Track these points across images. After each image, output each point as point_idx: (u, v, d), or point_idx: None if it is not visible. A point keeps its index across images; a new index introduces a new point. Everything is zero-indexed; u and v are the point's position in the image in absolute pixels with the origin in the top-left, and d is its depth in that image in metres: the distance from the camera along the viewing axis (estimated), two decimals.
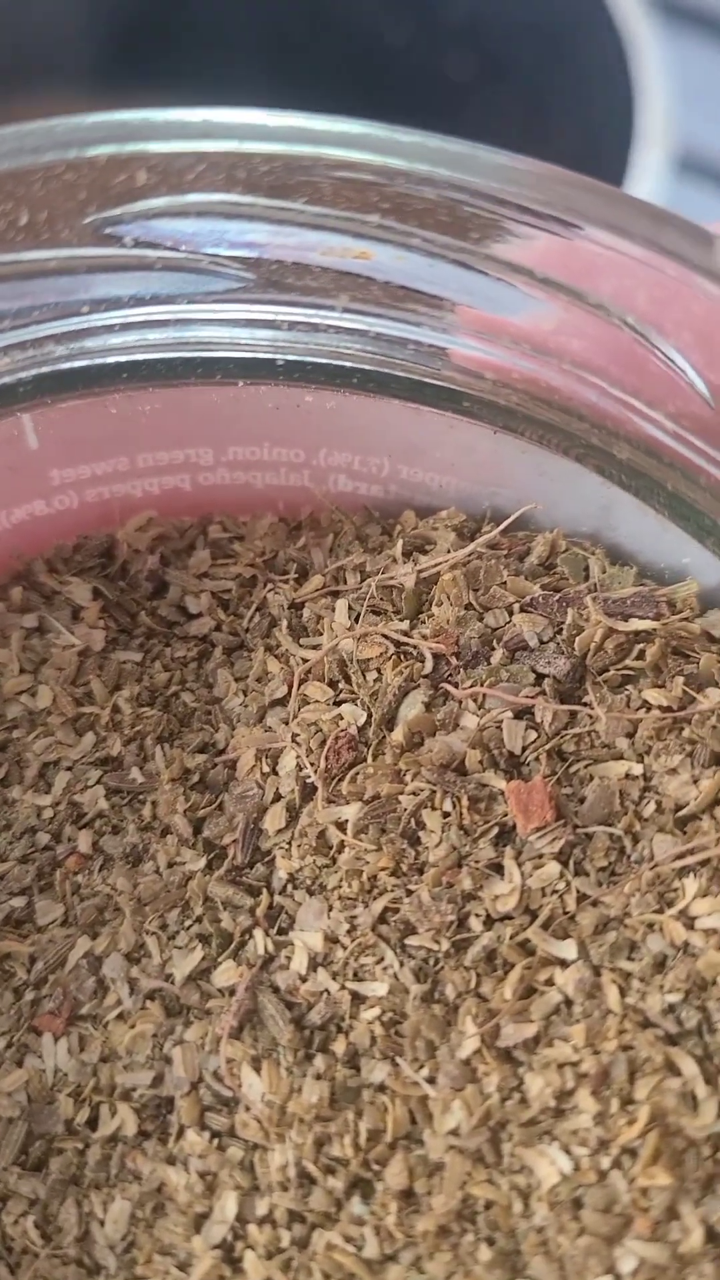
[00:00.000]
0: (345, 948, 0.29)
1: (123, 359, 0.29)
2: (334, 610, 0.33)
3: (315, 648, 0.32)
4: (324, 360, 0.29)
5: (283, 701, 0.32)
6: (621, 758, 0.30)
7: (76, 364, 0.28)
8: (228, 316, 0.28)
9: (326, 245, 0.27)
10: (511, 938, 0.28)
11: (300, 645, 0.33)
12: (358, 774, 0.30)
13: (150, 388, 0.31)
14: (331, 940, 0.29)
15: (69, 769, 0.32)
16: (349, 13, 0.72)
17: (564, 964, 0.28)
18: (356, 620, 0.32)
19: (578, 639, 0.31)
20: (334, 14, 0.72)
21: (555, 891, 0.28)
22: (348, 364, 0.29)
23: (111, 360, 0.29)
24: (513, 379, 0.28)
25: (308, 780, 0.31)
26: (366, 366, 0.29)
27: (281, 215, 0.26)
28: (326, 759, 0.30)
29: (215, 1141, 0.28)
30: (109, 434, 0.33)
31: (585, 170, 0.25)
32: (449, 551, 0.32)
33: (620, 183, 0.58)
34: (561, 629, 0.31)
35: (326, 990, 0.28)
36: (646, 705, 0.30)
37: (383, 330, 0.28)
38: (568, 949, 0.28)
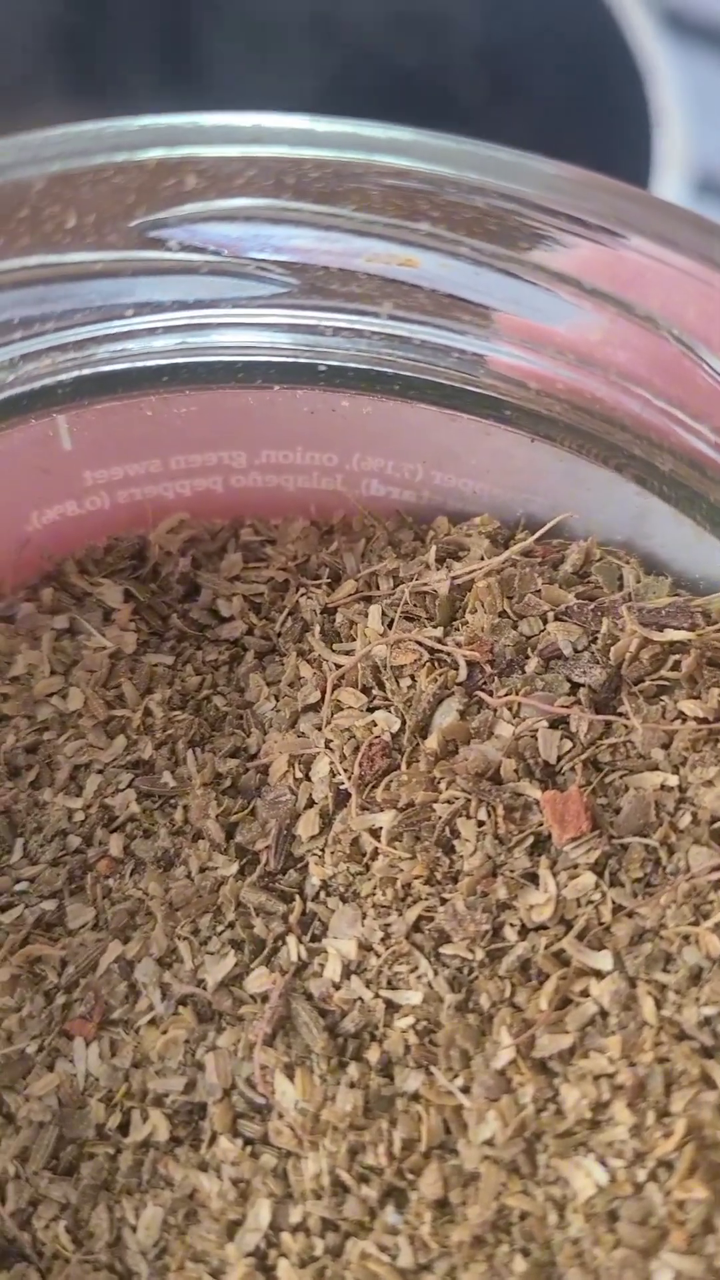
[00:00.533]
0: (379, 956, 0.29)
1: (164, 362, 0.29)
2: (367, 616, 0.33)
3: (348, 653, 0.32)
4: (366, 366, 0.29)
5: (315, 707, 0.32)
6: (657, 768, 0.30)
7: (118, 367, 0.28)
8: (271, 321, 0.28)
9: (372, 252, 0.27)
10: (546, 948, 0.28)
11: (333, 651, 0.32)
12: (392, 781, 0.30)
13: (187, 390, 0.31)
14: (365, 948, 0.29)
15: (100, 772, 0.32)
16: (361, 37, 0.71)
17: (599, 975, 0.28)
18: (390, 626, 0.32)
19: (613, 649, 0.30)
20: (348, 39, 0.72)
21: (591, 902, 0.28)
22: (389, 370, 0.29)
23: (153, 363, 0.28)
24: (556, 388, 0.28)
25: (341, 787, 0.30)
26: (408, 373, 0.29)
27: (328, 221, 0.26)
28: (360, 765, 0.30)
29: (248, 1149, 0.28)
30: (143, 436, 0.33)
31: None
32: (483, 558, 0.32)
33: None
34: (596, 638, 0.31)
35: (360, 998, 0.28)
36: (682, 716, 0.30)
37: (427, 338, 0.28)
38: (603, 960, 0.28)
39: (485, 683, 0.31)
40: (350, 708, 0.31)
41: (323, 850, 0.30)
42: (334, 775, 0.31)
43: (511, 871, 0.29)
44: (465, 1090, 0.27)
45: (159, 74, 0.72)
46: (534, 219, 0.25)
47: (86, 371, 0.28)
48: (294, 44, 0.72)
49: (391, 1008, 0.28)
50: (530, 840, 0.29)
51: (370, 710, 0.31)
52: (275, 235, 0.27)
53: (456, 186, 0.25)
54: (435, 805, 0.30)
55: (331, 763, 0.31)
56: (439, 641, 0.31)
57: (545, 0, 0.68)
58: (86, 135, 0.25)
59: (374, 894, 0.29)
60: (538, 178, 0.25)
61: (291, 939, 0.29)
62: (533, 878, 0.29)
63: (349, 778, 0.30)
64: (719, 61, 0.75)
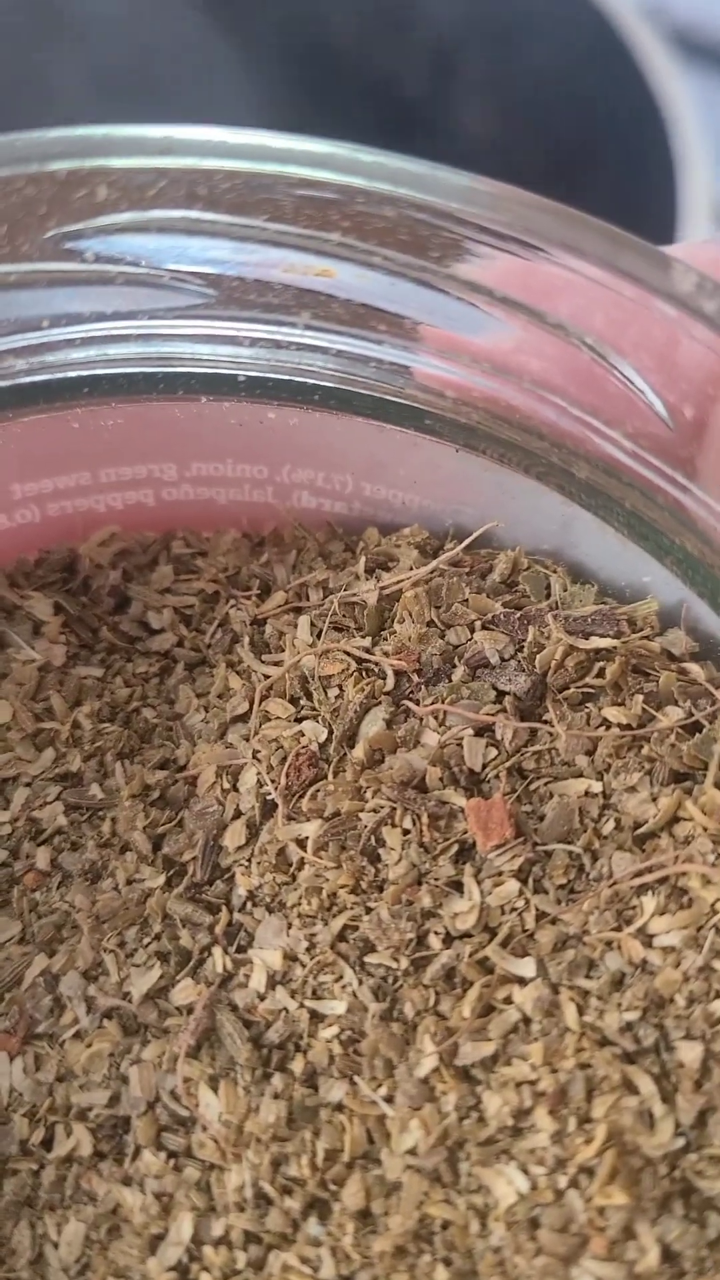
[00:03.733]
0: (304, 966, 0.29)
1: (84, 373, 0.29)
2: (296, 627, 0.33)
3: (277, 664, 0.32)
4: (286, 377, 0.29)
5: (244, 718, 0.32)
6: (581, 775, 0.30)
7: (37, 378, 0.28)
8: (189, 332, 0.28)
9: (288, 263, 0.27)
10: (470, 956, 0.28)
11: (262, 662, 0.33)
12: (318, 791, 0.30)
13: (112, 403, 0.31)
14: (290, 958, 0.29)
15: (28, 785, 0.32)
16: (374, 75, 0.72)
17: (522, 982, 0.28)
18: (319, 637, 0.32)
19: (539, 656, 0.31)
20: (357, 76, 0.72)
21: (514, 909, 0.28)
22: (310, 381, 0.29)
23: (72, 374, 0.29)
24: (473, 397, 0.28)
25: (268, 797, 0.30)
26: (328, 384, 0.29)
27: (243, 232, 0.26)
28: (287, 776, 0.30)
29: (172, 1162, 0.28)
30: (71, 448, 0.33)
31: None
32: (411, 569, 0.33)
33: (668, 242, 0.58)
34: (523, 646, 0.31)
35: (285, 1009, 0.28)
36: (606, 723, 0.30)
37: (345, 348, 0.28)
38: (526, 967, 0.28)
39: (412, 692, 0.31)
40: (278, 718, 0.31)
41: (249, 861, 0.30)
42: (261, 786, 0.31)
43: (436, 880, 0.29)
44: (389, 1100, 0.27)
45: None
46: (444, 229, 0.25)
47: (6, 384, 0.28)
48: (303, 74, 0.73)
49: (316, 1018, 0.28)
50: (455, 848, 0.29)
51: (298, 720, 0.31)
52: (190, 246, 0.27)
53: (367, 197, 0.25)
54: (361, 815, 0.30)
55: (259, 773, 0.31)
56: (367, 651, 0.32)
57: (562, 39, 0.69)
58: None
59: (300, 904, 0.29)
60: (447, 188, 0.25)
61: (217, 950, 0.29)
62: (457, 886, 0.29)
63: (276, 788, 0.30)
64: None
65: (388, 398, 0.29)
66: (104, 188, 0.25)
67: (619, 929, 0.28)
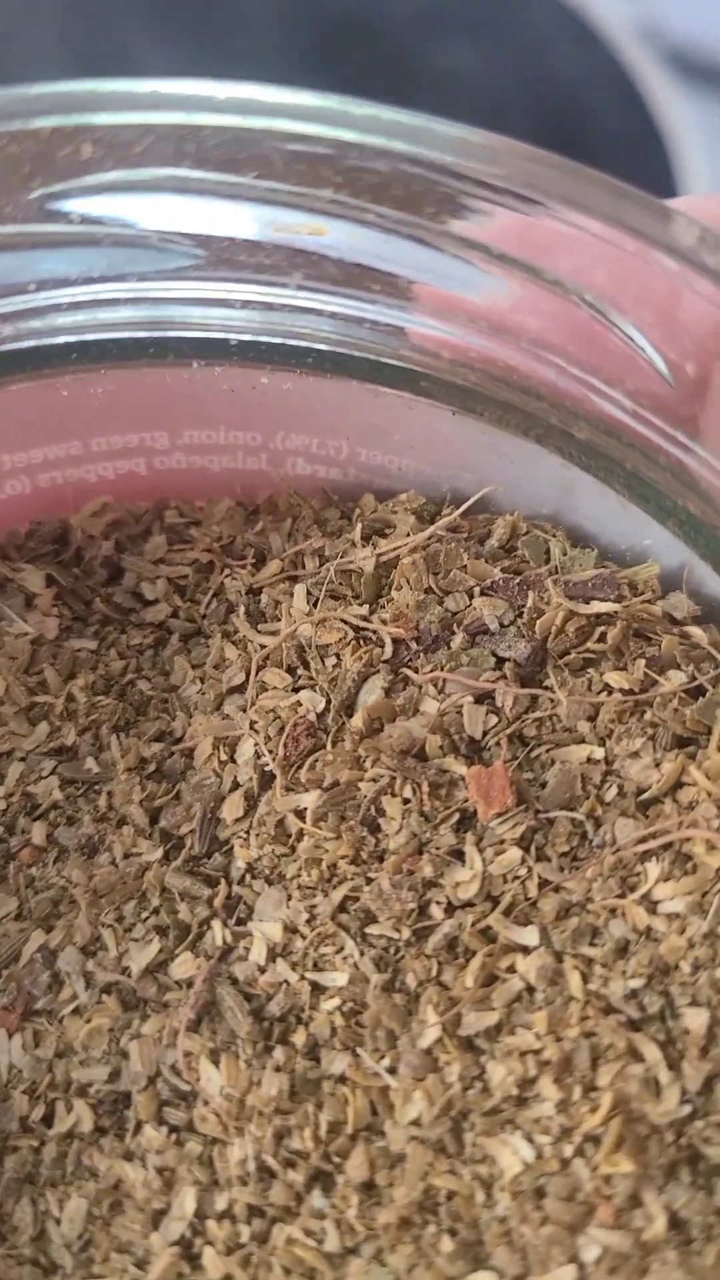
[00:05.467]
0: (305, 938, 0.28)
1: (72, 339, 0.28)
2: (292, 595, 0.32)
3: (273, 634, 0.32)
4: (278, 340, 0.29)
5: (240, 689, 0.32)
6: (583, 741, 0.29)
7: (24, 344, 0.28)
8: (179, 295, 0.28)
9: (279, 221, 0.26)
10: (473, 925, 0.28)
11: (258, 631, 0.32)
12: (317, 761, 0.30)
13: (102, 369, 0.30)
14: (291, 930, 0.28)
15: (22, 759, 0.31)
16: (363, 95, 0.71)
17: (526, 951, 0.27)
18: (315, 605, 0.32)
19: (538, 622, 0.30)
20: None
21: (517, 878, 0.28)
22: (303, 344, 0.29)
23: (60, 340, 0.28)
24: (470, 358, 0.28)
25: (266, 768, 0.30)
26: (322, 346, 0.29)
27: (232, 190, 0.26)
28: (285, 746, 0.30)
29: (173, 1136, 0.27)
30: (60, 417, 0.32)
31: None
32: (408, 535, 0.32)
33: None
34: (522, 612, 0.31)
35: (286, 981, 0.28)
36: (608, 688, 0.30)
37: (338, 309, 0.28)
38: (529, 935, 0.27)
39: (411, 659, 0.31)
40: (275, 688, 0.31)
41: (248, 833, 0.30)
42: (259, 757, 0.30)
43: (437, 849, 0.28)
44: (392, 1071, 0.27)
45: None
46: (441, 184, 0.25)
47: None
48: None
49: (317, 990, 0.28)
50: (456, 817, 0.29)
51: (295, 690, 0.31)
52: (179, 205, 0.26)
53: (360, 151, 0.25)
54: (360, 784, 0.29)
55: (256, 744, 0.30)
56: (364, 619, 0.31)
57: (561, 63, 0.68)
58: None
59: (299, 875, 0.29)
60: (443, 141, 0.25)
61: (216, 923, 0.29)
62: (459, 855, 0.28)
63: (274, 759, 0.30)
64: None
65: (383, 360, 0.28)
66: (89, 145, 0.25)
67: (623, 896, 0.28)
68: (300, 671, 0.31)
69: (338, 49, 0.70)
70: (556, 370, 0.27)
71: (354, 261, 0.27)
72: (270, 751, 0.30)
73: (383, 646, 0.31)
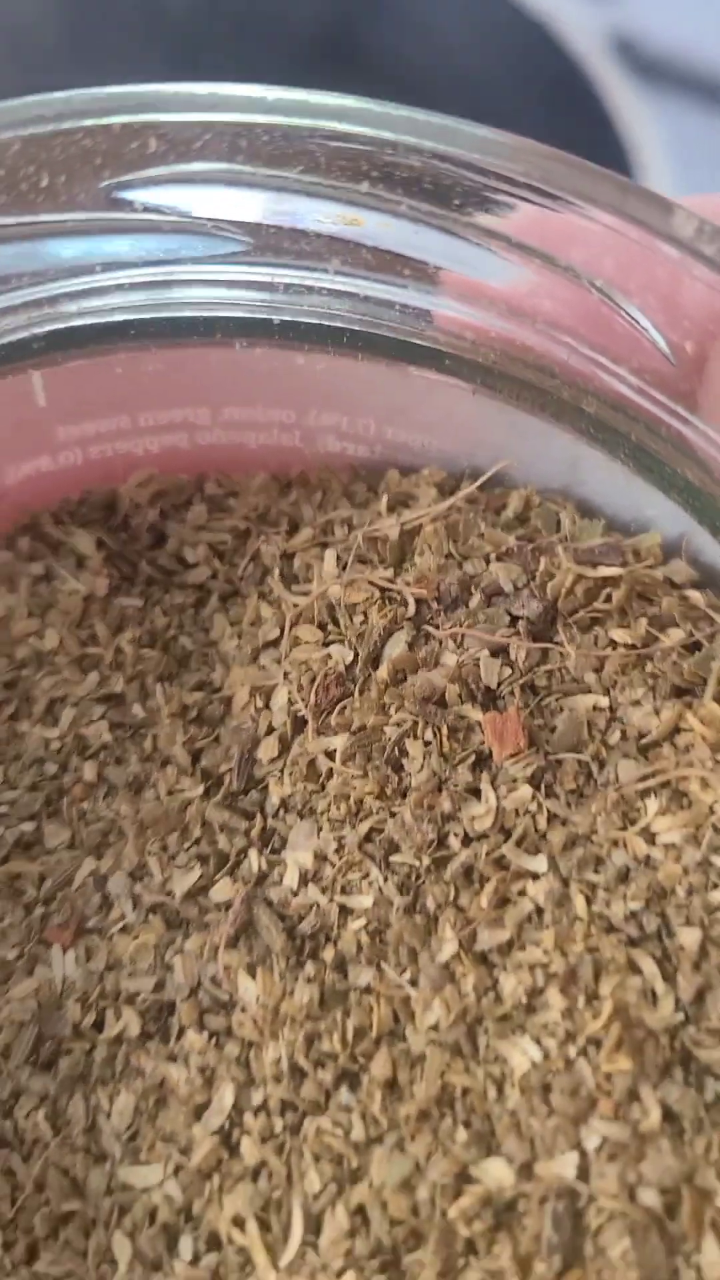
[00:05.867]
0: (333, 865, 0.31)
1: (131, 317, 0.31)
2: (323, 560, 0.35)
3: (305, 594, 0.35)
4: (316, 320, 0.31)
5: (275, 643, 0.34)
6: (589, 691, 0.32)
7: (88, 321, 0.31)
8: (228, 278, 0.31)
9: (320, 212, 0.29)
10: (487, 854, 0.30)
11: (291, 592, 0.35)
12: (345, 707, 0.32)
13: (153, 348, 0.33)
14: (321, 858, 0.31)
15: (74, 705, 0.34)
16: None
17: (535, 877, 0.30)
18: (344, 569, 0.35)
19: (549, 584, 0.33)
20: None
21: (528, 812, 0.31)
22: (338, 324, 0.31)
23: (120, 318, 0.31)
24: (490, 338, 0.30)
25: (299, 714, 0.33)
26: (356, 327, 0.31)
27: (279, 183, 0.29)
28: (316, 694, 0.33)
29: (213, 1040, 0.30)
30: (113, 393, 0.35)
31: None
32: (430, 505, 0.35)
33: None
34: (534, 576, 0.33)
35: (316, 903, 0.31)
36: (613, 644, 0.32)
37: (371, 293, 0.31)
38: (539, 863, 0.30)
39: (432, 618, 0.33)
40: (307, 642, 0.34)
41: (282, 772, 0.32)
42: (292, 704, 0.33)
43: (455, 786, 0.31)
44: (413, 983, 0.30)
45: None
46: (466, 178, 0.28)
47: (59, 326, 0.31)
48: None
49: (345, 911, 0.31)
50: (472, 758, 0.31)
51: (326, 645, 0.34)
52: (231, 196, 0.29)
53: (395, 148, 0.27)
54: (385, 728, 0.32)
55: (290, 692, 0.33)
56: (389, 581, 0.34)
57: (526, 77, 0.70)
58: (58, 101, 0.27)
59: (329, 809, 0.32)
60: (470, 140, 0.28)
61: (253, 852, 0.32)
62: (475, 792, 0.31)
63: (306, 706, 0.33)
64: (686, 101, 0.76)
65: (410, 340, 0.31)
66: (154, 140, 0.28)
67: (624, 829, 0.30)
68: (330, 628, 0.34)
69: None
70: (568, 350, 0.30)
71: (386, 249, 0.30)
72: (303, 699, 0.33)
73: (406, 606, 0.33)
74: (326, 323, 0.31)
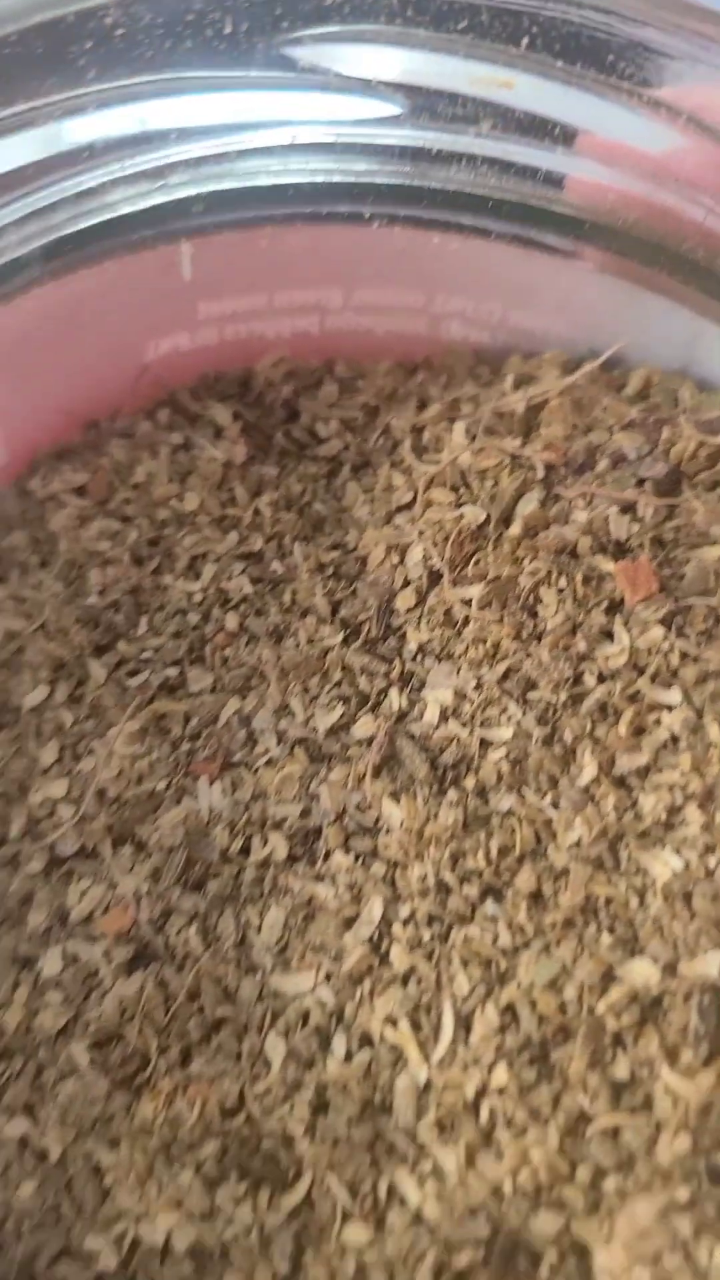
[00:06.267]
0: (472, 702, 0.32)
1: (284, 180, 0.33)
2: (452, 432, 0.37)
3: (436, 463, 0.36)
4: (461, 189, 0.33)
5: (408, 506, 0.36)
6: (716, 543, 0.33)
7: (252, 183, 0.32)
8: (385, 143, 0.32)
9: (475, 74, 0.31)
10: (622, 691, 0.32)
11: (422, 461, 0.36)
12: (479, 560, 0.34)
13: (297, 224, 0.35)
14: (460, 696, 0.33)
15: (216, 561, 0.36)
16: None
17: (669, 708, 0.32)
18: (473, 439, 0.36)
19: (673, 450, 0.34)
20: None
21: (660, 651, 0.32)
22: (482, 192, 0.33)
23: (284, 180, 0.33)
24: (629, 200, 0.32)
25: (434, 568, 0.34)
26: (498, 195, 0.33)
27: (441, 44, 0.30)
28: (451, 549, 0.34)
29: (360, 861, 0.31)
30: (254, 269, 0.37)
31: None
32: (554, 383, 0.36)
33: None
34: (658, 444, 0.35)
35: (457, 737, 0.32)
36: None
37: (516, 157, 0.32)
38: (673, 696, 0.32)
39: (560, 482, 0.35)
40: (440, 504, 0.35)
41: (419, 620, 0.34)
42: (427, 559, 0.34)
43: (590, 628, 0.33)
44: (554, 805, 0.31)
45: None
46: (622, 34, 0.30)
47: (224, 186, 0.32)
48: None
49: (485, 744, 0.32)
50: (605, 603, 0.33)
51: (458, 506, 0.35)
52: (393, 57, 0.31)
53: (557, 3, 0.29)
54: (520, 578, 0.33)
55: (425, 549, 0.35)
56: (518, 449, 0.35)
57: None
58: None
59: (467, 652, 0.33)
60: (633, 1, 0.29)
61: (393, 691, 0.33)
62: (608, 634, 0.33)
63: (441, 560, 0.34)
64: None
65: (550, 206, 0.33)
66: None
67: None
68: (462, 491, 0.35)
69: None
70: (705, 211, 0.32)
71: (535, 112, 0.31)
72: (438, 554, 0.34)
73: (535, 470, 0.35)
74: (470, 190, 0.33)
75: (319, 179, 0.33)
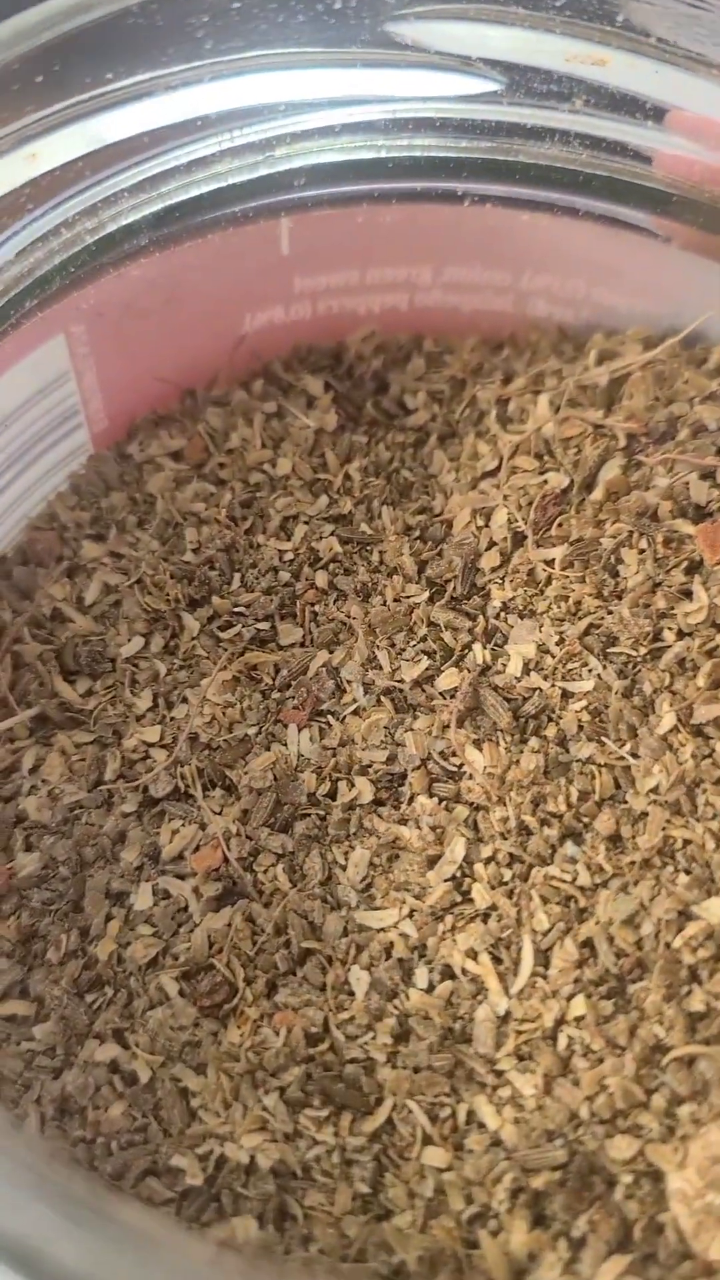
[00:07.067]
0: (554, 656, 0.33)
1: (388, 155, 0.34)
2: (536, 404, 0.38)
3: (520, 433, 0.37)
4: (553, 164, 0.34)
5: (493, 473, 0.37)
6: None
7: (350, 157, 0.34)
8: (480, 119, 0.34)
9: (571, 51, 0.32)
10: (701, 647, 0.33)
11: (507, 431, 0.38)
12: (563, 523, 0.35)
13: (393, 201, 0.36)
14: (542, 650, 0.34)
15: (306, 523, 0.37)
16: None
17: None
18: (557, 410, 0.37)
19: None
20: None
21: None
22: (574, 167, 0.34)
23: (380, 155, 0.34)
24: (717, 176, 0.33)
25: (518, 530, 0.35)
26: (588, 170, 0.34)
27: (539, 21, 0.32)
28: (535, 512, 0.35)
29: (443, 804, 0.32)
30: (349, 245, 0.38)
31: None
32: (637, 358, 0.38)
33: None
34: None
35: (539, 689, 0.33)
36: None
37: (606, 133, 0.34)
38: None
39: (642, 450, 0.36)
40: (525, 471, 0.36)
41: (503, 579, 0.35)
42: (511, 522, 0.36)
43: (669, 587, 0.33)
44: (633, 754, 0.32)
45: None
46: (716, 9, 0.31)
47: (326, 159, 0.34)
48: None
49: (566, 695, 0.33)
50: (685, 564, 0.34)
51: (542, 473, 0.36)
52: (491, 35, 0.32)
53: None
54: (602, 540, 0.34)
55: (509, 512, 0.36)
56: (600, 420, 0.37)
57: None
58: None
59: (549, 610, 0.34)
60: None
61: (477, 645, 0.34)
62: (687, 593, 0.34)
63: (525, 523, 0.35)
64: None
65: (639, 181, 0.34)
66: None
67: None
68: (546, 459, 0.37)
69: None
70: None
71: (626, 90, 0.33)
72: (522, 518, 0.35)
73: (617, 439, 0.36)
74: (561, 165, 0.34)
75: (417, 154, 0.34)
